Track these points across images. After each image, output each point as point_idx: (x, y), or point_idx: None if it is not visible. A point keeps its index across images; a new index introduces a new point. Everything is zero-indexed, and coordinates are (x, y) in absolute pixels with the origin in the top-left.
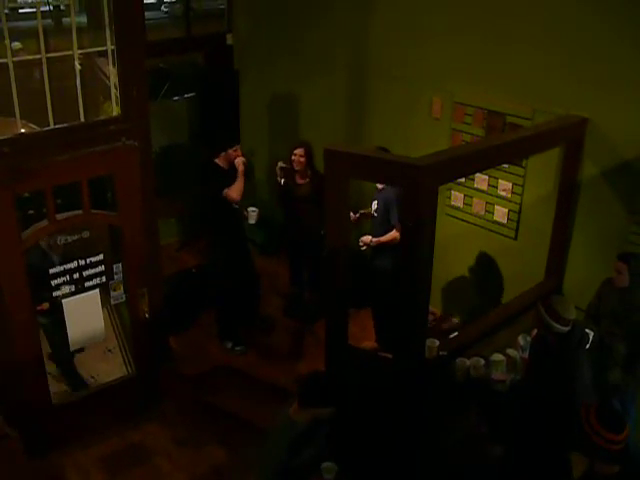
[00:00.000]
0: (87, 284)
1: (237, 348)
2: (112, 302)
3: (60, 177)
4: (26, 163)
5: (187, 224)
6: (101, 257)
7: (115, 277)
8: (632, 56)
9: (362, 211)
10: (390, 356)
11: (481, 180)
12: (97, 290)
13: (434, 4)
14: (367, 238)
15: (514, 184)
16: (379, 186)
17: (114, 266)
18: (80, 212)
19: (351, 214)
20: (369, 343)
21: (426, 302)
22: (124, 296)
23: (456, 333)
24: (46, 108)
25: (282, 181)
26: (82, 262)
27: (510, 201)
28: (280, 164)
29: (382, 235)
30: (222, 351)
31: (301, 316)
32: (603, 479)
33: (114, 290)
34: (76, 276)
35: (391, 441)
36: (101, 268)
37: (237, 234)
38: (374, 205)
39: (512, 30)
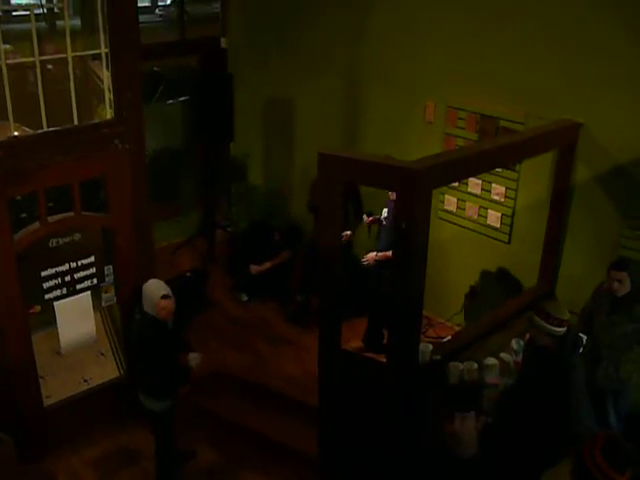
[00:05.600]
0: (79, 286)
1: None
2: (103, 304)
3: (52, 179)
4: (19, 166)
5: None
6: (92, 259)
7: (106, 279)
8: (626, 60)
9: (375, 217)
10: (376, 357)
11: (474, 184)
12: (89, 293)
13: (428, 9)
14: (371, 255)
15: (507, 188)
16: (392, 196)
17: (105, 268)
18: (72, 214)
19: (365, 217)
20: (355, 343)
21: (420, 306)
22: (115, 298)
23: (449, 337)
24: (40, 111)
25: None
26: (74, 264)
27: (503, 205)
28: None
29: (388, 244)
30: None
31: (305, 323)
32: None
33: (105, 292)
34: (68, 279)
35: (384, 444)
36: (92, 270)
37: None
38: (384, 212)
39: (505, 35)
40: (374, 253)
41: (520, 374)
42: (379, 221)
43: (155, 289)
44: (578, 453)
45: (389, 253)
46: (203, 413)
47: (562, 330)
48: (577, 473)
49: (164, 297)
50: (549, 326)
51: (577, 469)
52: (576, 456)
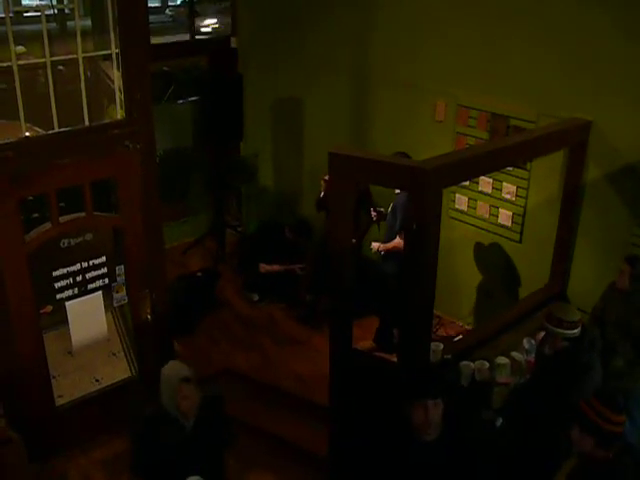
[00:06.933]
0: (90, 286)
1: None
2: (114, 304)
3: (63, 180)
4: (30, 167)
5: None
6: (104, 259)
7: (118, 279)
8: (636, 59)
9: (380, 209)
10: (389, 357)
11: (485, 183)
12: (100, 292)
13: (437, 8)
14: (375, 245)
15: (518, 187)
16: (396, 190)
17: (117, 268)
18: (83, 214)
19: (372, 211)
20: (366, 343)
21: (431, 305)
22: (126, 298)
23: (461, 336)
24: (51, 112)
25: (322, 194)
26: (85, 264)
27: (514, 204)
28: (325, 177)
29: (388, 239)
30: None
31: (315, 323)
32: (597, 466)
33: (116, 292)
34: (79, 279)
35: (393, 444)
36: (104, 270)
37: None
38: (390, 208)
39: (516, 33)
40: (377, 243)
41: (534, 374)
42: (384, 216)
43: (173, 370)
44: (579, 410)
45: (388, 245)
46: None
47: (577, 331)
48: (582, 427)
49: (186, 380)
50: (564, 331)
51: (581, 424)
52: (578, 413)
